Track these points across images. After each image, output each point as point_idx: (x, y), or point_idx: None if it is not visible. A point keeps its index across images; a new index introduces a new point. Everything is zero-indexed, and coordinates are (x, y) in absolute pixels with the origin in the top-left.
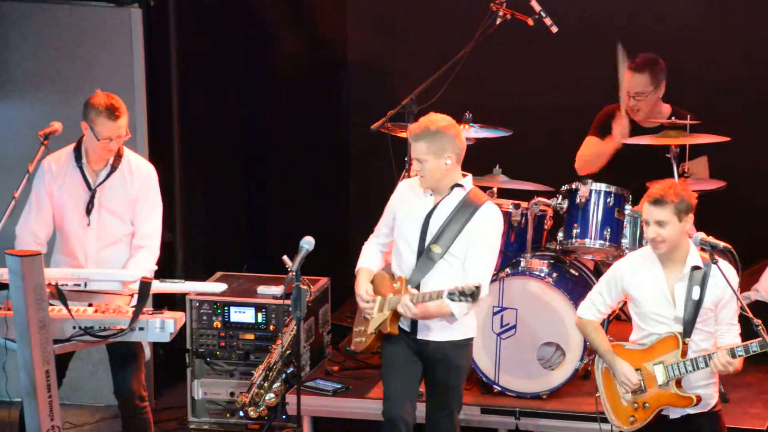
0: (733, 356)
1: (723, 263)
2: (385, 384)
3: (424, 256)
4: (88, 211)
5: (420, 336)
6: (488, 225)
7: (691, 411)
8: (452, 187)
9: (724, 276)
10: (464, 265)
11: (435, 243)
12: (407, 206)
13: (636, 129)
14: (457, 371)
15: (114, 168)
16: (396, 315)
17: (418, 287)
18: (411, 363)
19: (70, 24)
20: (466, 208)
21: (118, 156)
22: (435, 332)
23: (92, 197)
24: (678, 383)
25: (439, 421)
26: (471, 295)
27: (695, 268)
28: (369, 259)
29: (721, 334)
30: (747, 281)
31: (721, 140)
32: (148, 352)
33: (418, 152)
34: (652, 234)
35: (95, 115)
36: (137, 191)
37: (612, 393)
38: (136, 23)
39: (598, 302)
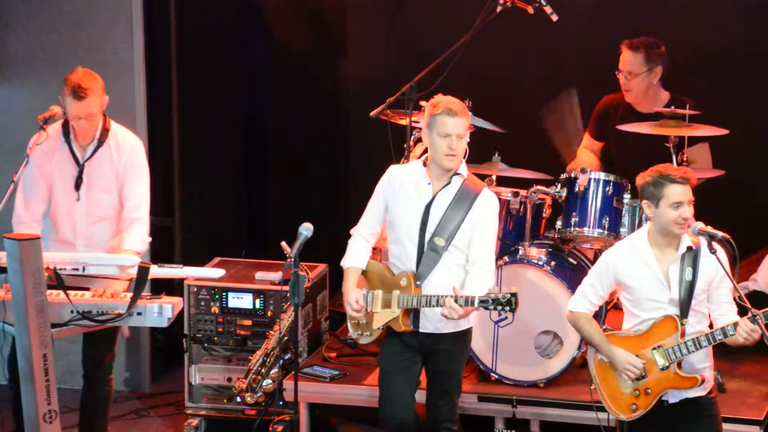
0: (753, 323)
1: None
2: (384, 390)
3: (428, 249)
4: (77, 186)
5: (423, 329)
6: (489, 212)
7: (690, 394)
8: (451, 176)
9: (717, 258)
10: (470, 255)
11: (437, 235)
12: (403, 196)
13: (635, 115)
14: (458, 359)
15: (101, 143)
16: (407, 312)
17: (425, 282)
18: (410, 365)
19: (70, 8)
20: (466, 196)
21: (105, 130)
22: (438, 325)
23: (81, 172)
24: (679, 365)
25: (439, 406)
26: (507, 302)
27: (687, 249)
28: (357, 257)
29: (719, 315)
30: (745, 271)
31: (719, 133)
32: (126, 328)
33: (459, 128)
34: (689, 214)
35: (66, 92)
36: (123, 163)
37: (609, 383)
38: (136, 7)
39: (590, 294)
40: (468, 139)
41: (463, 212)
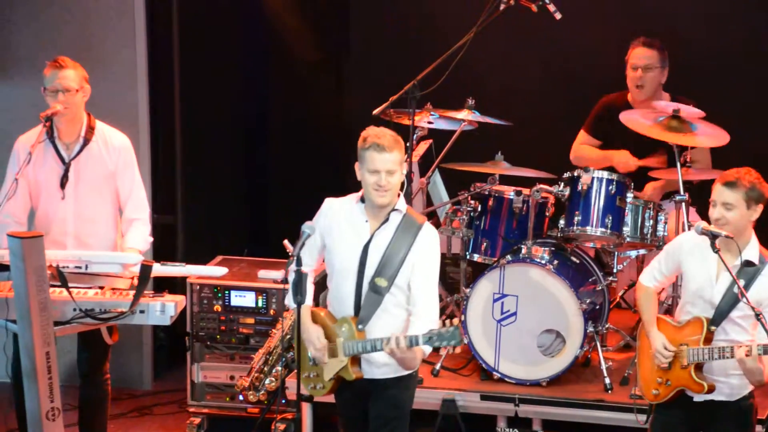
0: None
1: None
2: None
3: (370, 290)
4: (63, 185)
5: (367, 376)
6: (432, 249)
7: (715, 398)
8: (389, 213)
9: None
10: (411, 300)
11: (379, 275)
12: (339, 234)
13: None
14: (397, 403)
15: (87, 140)
16: (355, 359)
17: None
18: (365, 408)
19: (72, 6)
20: (406, 233)
21: (90, 128)
22: (380, 370)
23: (66, 170)
24: (699, 368)
25: None
26: (452, 336)
27: (749, 263)
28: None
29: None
30: None
31: (719, 144)
32: (107, 334)
33: (391, 163)
34: (717, 215)
35: (45, 72)
36: (115, 164)
37: (644, 360)
38: (139, 5)
39: (655, 269)
40: (404, 172)
41: (405, 249)
